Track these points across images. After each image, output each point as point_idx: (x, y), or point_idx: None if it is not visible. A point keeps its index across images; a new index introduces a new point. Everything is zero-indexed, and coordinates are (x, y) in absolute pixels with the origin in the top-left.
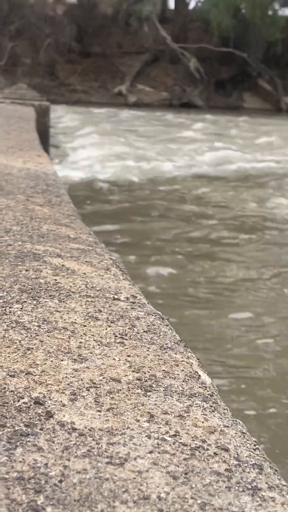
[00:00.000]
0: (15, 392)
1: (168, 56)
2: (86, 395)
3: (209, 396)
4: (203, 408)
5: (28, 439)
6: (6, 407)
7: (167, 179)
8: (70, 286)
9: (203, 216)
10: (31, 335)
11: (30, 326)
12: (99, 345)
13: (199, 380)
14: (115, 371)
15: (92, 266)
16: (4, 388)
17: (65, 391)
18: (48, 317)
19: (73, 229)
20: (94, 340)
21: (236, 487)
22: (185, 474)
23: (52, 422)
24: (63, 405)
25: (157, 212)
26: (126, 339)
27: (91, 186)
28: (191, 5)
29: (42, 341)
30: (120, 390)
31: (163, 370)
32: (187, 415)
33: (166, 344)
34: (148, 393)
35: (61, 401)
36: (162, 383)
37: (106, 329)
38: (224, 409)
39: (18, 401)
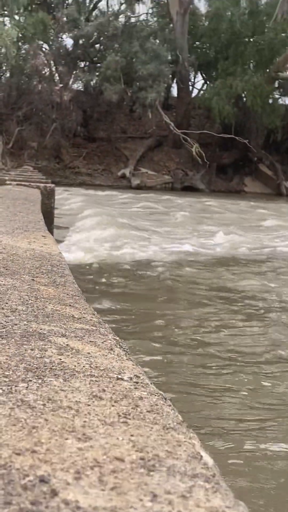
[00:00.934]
0: (21, 470)
1: (171, 141)
2: (90, 474)
3: (211, 477)
4: (206, 488)
5: None
6: (12, 485)
7: (170, 261)
8: (75, 366)
9: (208, 299)
10: (36, 414)
11: (35, 405)
12: (103, 424)
13: (202, 461)
14: (119, 450)
15: (96, 346)
16: (10, 466)
17: (70, 469)
18: (53, 396)
19: (77, 309)
20: (98, 420)
21: None
22: None
23: (57, 501)
24: (68, 484)
25: (159, 294)
26: (130, 419)
27: (94, 267)
28: (194, 93)
29: (47, 420)
30: (124, 469)
31: (166, 450)
32: (190, 496)
33: (169, 424)
34: (151, 473)
35: (66, 480)
36: (165, 463)
37: (109, 408)
38: (226, 490)
39: (24, 479)
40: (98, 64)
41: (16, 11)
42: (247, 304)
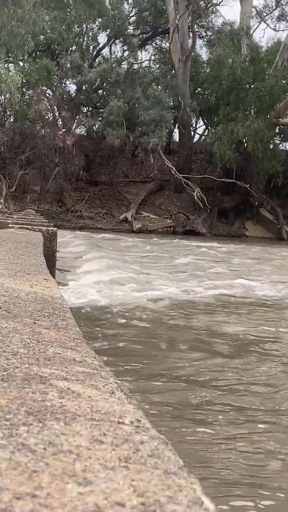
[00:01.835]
0: None
1: (173, 186)
2: None
3: None
4: None
5: None
6: None
7: (172, 304)
8: (76, 409)
9: (213, 343)
10: (37, 458)
11: (36, 449)
12: (104, 468)
13: (203, 506)
14: (120, 495)
15: (97, 389)
16: (10, 510)
17: None
18: (53, 440)
19: (78, 352)
20: (99, 464)
21: None
22: None
23: None
24: None
25: (161, 338)
26: (131, 463)
27: (96, 310)
28: (195, 138)
29: (48, 464)
30: None
31: (167, 495)
32: None
33: (170, 469)
34: None
35: None
36: (166, 508)
37: (110, 452)
38: None
39: None
40: (101, 110)
41: (21, 58)
42: (250, 348)
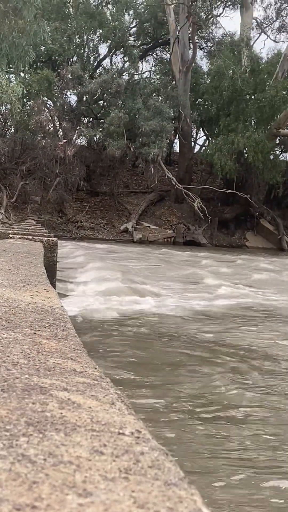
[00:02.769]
0: None
1: (173, 196)
2: None
3: None
4: None
5: None
6: None
7: (172, 315)
8: (76, 420)
9: (216, 355)
10: (37, 469)
11: (36, 460)
12: (104, 479)
13: None
14: (120, 506)
15: (98, 400)
16: None
17: None
18: (53, 451)
19: (79, 363)
20: (99, 475)
21: None
22: None
23: None
24: None
25: (163, 348)
26: (131, 474)
27: (96, 321)
28: (196, 149)
29: (48, 475)
30: None
31: (167, 506)
32: None
33: (170, 480)
34: None
35: None
36: None
37: (111, 463)
38: None
39: None
40: (102, 120)
41: (22, 69)
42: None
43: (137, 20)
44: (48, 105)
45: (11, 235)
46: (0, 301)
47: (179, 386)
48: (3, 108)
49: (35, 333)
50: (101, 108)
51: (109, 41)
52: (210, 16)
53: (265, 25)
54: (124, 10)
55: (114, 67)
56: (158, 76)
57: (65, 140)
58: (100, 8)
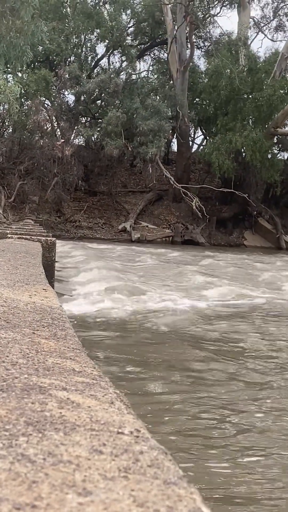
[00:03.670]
0: None
1: (171, 196)
2: None
3: None
4: None
5: None
6: None
7: (171, 314)
8: (75, 420)
9: (213, 352)
10: (36, 468)
11: (36, 459)
12: (103, 479)
13: None
14: (119, 505)
15: (97, 399)
16: None
17: None
18: (53, 450)
19: (78, 362)
20: (99, 474)
21: None
22: None
23: None
24: None
25: (161, 347)
26: (130, 474)
27: (95, 320)
28: (194, 148)
29: (47, 474)
30: None
31: (167, 505)
32: None
33: (170, 479)
34: None
35: None
36: None
37: (110, 463)
38: None
39: None
40: (99, 120)
41: (19, 69)
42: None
43: (134, 20)
44: (46, 105)
45: (9, 235)
46: None
47: (181, 383)
48: (1, 108)
49: (34, 332)
50: (99, 108)
51: (107, 41)
52: (207, 15)
53: (262, 24)
54: (122, 10)
55: (111, 66)
56: (155, 76)
57: (63, 140)
58: (97, 8)
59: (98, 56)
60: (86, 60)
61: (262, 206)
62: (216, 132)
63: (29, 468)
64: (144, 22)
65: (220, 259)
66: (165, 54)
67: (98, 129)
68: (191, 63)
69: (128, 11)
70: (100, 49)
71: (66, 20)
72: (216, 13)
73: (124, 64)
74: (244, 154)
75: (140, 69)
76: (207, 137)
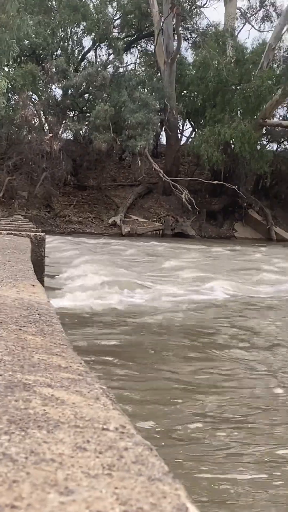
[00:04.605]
0: None
1: (161, 189)
2: None
3: None
4: None
5: None
6: None
7: (162, 308)
8: (59, 417)
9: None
10: (17, 468)
11: (17, 458)
12: (86, 476)
13: None
14: (102, 503)
15: (82, 395)
16: None
17: None
18: (35, 449)
19: (64, 358)
20: (82, 472)
21: None
22: None
23: None
24: None
25: (151, 340)
26: (114, 471)
27: (86, 315)
28: (182, 141)
29: (29, 473)
30: None
31: (151, 502)
32: None
33: (154, 475)
34: None
35: None
36: None
37: (94, 460)
38: None
39: None
40: (87, 114)
41: (6, 63)
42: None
43: (120, 12)
44: (33, 100)
45: None
46: None
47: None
48: None
49: (20, 329)
50: (86, 102)
51: (93, 34)
52: (193, 6)
53: (249, 15)
54: (108, 2)
55: (98, 60)
56: (143, 68)
57: (51, 135)
58: (83, 0)
59: (85, 50)
60: (72, 53)
61: (252, 198)
62: (204, 124)
63: (10, 467)
64: (131, 14)
65: (210, 252)
66: (152, 46)
67: (86, 123)
68: (178, 55)
69: (114, 3)
70: (87, 42)
71: (52, 14)
72: (202, 4)
73: (111, 57)
74: (233, 146)
75: (127, 62)
76: (196, 129)
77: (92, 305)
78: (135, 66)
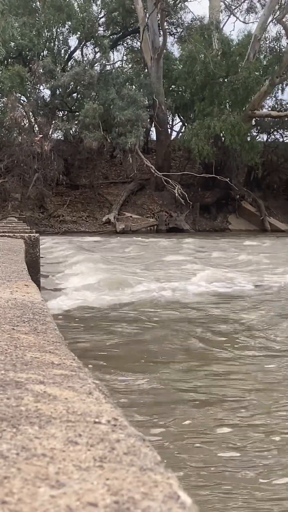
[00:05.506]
0: None
1: (153, 184)
2: None
3: None
4: None
5: None
6: None
7: (160, 302)
8: (51, 412)
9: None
10: (9, 464)
11: (8, 455)
12: (77, 469)
13: (179, 501)
14: (93, 495)
15: (75, 391)
16: None
17: None
18: (27, 444)
19: (57, 355)
20: (73, 465)
21: None
22: None
23: None
24: None
25: (148, 337)
26: (106, 462)
27: (82, 313)
28: (173, 136)
29: (20, 469)
30: None
31: (142, 491)
32: None
33: (146, 465)
34: None
35: None
36: (140, 505)
37: (85, 453)
38: None
39: None
40: (77, 113)
41: None
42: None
43: (105, 10)
44: (21, 101)
45: None
46: None
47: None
48: None
49: (13, 328)
50: (75, 101)
51: (79, 33)
52: (178, 1)
53: (233, 7)
54: (92, 1)
55: (85, 58)
56: (130, 65)
57: (41, 135)
58: (67, 0)
59: (71, 49)
60: (59, 53)
61: (244, 190)
62: (194, 118)
63: (1, 464)
64: (115, 12)
65: (202, 245)
66: (138, 43)
67: (76, 122)
68: (164, 50)
69: (98, 2)
70: (73, 41)
71: (37, 14)
72: None
73: (98, 55)
74: (223, 139)
75: (114, 60)
76: (186, 124)
77: (87, 303)
78: (122, 63)
